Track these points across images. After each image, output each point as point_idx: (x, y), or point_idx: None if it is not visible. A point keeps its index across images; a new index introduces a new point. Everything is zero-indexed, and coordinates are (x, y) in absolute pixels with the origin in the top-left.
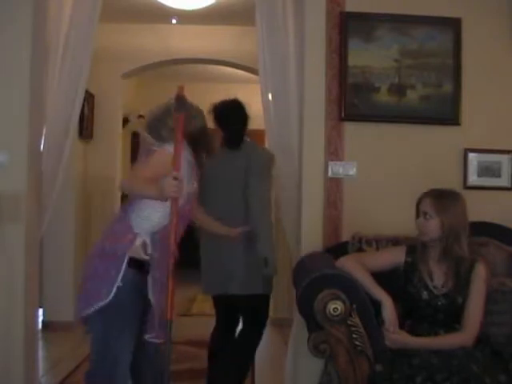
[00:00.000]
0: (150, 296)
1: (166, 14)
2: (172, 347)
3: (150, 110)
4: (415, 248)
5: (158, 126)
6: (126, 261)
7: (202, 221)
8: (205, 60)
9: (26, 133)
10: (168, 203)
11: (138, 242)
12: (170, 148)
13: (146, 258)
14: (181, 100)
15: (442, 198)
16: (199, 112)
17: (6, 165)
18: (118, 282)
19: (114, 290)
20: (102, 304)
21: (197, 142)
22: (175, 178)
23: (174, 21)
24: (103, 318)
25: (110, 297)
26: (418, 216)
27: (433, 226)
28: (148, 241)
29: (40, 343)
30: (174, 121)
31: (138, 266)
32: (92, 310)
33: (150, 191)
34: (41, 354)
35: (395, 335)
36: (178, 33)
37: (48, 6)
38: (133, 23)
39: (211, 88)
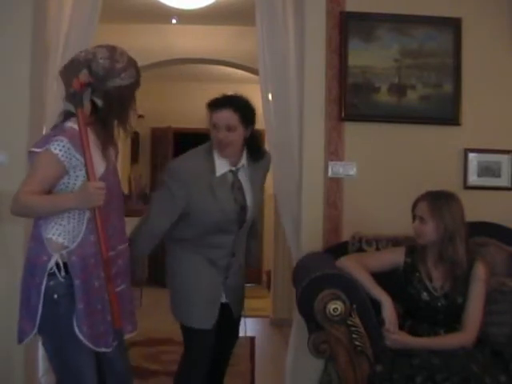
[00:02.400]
0: (78, 333)
1: (166, 13)
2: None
3: (76, 54)
4: (415, 249)
5: (70, 76)
6: (43, 288)
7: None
8: (205, 60)
9: (25, 133)
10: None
11: (53, 263)
12: (52, 147)
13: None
14: (77, 95)
15: (437, 202)
16: (130, 62)
17: (6, 165)
18: (40, 310)
19: (38, 319)
20: (31, 336)
21: (112, 106)
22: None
23: (174, 21)
24: (50, 340)
25: (35, 328)
26: (414, 219)
27: (428, 230)
28: (61, 263)
29: (40, 343)
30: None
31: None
32: (26, 340)
33: (65, 203)
34: (41, 353)
35: (395, 335)
36: (178, 33)
37: (48, 6)
38: (133, 23)
39: (211, 88)
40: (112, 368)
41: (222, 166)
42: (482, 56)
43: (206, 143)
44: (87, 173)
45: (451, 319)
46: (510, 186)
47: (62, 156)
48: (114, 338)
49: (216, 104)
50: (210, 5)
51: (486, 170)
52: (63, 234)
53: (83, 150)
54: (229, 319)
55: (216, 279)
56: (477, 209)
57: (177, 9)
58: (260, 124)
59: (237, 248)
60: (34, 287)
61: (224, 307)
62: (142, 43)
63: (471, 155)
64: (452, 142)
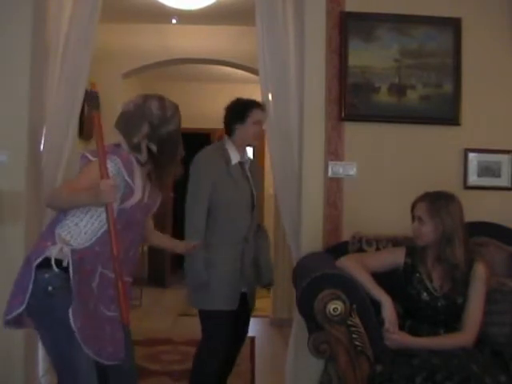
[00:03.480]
0: (73, 326)
1: (166, 13)
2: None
3: (125, 104)
4: (415, 249)
5: (132, 128)
6: (34, 267)
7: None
8: (205, 60)
9: (25, 132)
10: (87, 220)
11: (54, 251)
12: (107, 161)
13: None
14: (94, 96)
15: (436, 203)
16: (176, 108)
17: (6, 164)
18: (30, 288)
19: (27, 298)
20: (18, 311)
21: (164, 149)
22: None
23: (174, 21)
24: (47, 333)
25: (24, 306)
26: (413, 220)
27: (427, 231)
28: (65, 254)
29: (40, 343)
30: (118, 124)
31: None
32: (10, 316)
33: (83, 197)
34: (41, 353)
35: (395, 335)
36: (178, 33)
37: (48, 5)
38: (133, 23)
39: (210, 88)
40: (118, 366)
41: (235, 157)
42: (482, 56)
43: (214, 143)
44: (100, 171)
45: (451, 319)
46: (509, 185)
47: (111, 172)
48: (119, 351)
49: (257, 104)
50: (210, 5)
51: (486, 170)
52: (74, 235)
53: (98, 147)
54: (244, 311)
55: (235, 265)
56: (477, 209)
57: (176, 9)
58: None
59: (249, 234)
60: (29, 265)
61: (241, 297)
62: (142, 43)
63: (471, 155)
64: (452, 142)
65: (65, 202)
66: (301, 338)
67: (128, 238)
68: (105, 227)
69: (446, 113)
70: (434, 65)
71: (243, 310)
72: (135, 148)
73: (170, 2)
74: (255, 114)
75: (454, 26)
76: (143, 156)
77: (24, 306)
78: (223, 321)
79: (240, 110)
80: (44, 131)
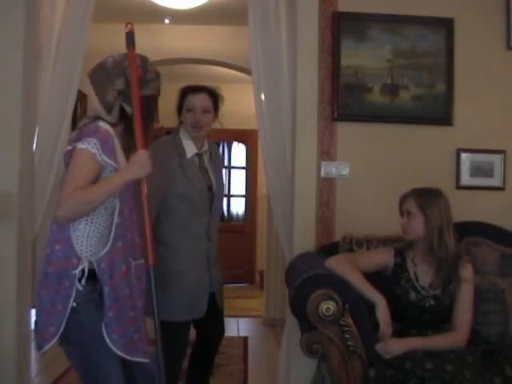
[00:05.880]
0: (108, 341)
1: (159, 13)
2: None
3: (103, 59)
4: (403, 249)
5: (105, 84)
6: (73, 293)
7: None
8: (197, 60)
9: (18, 132)
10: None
11: (81, 267)
12: (89, 146)
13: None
14: (131, 36)
15: (425, 196)
16: (157, 74)
17: None
18: (67, 316)
19: (63, 325)
20: (52, 343)
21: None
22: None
23: (166, 21)
24: (74, 349)
25: (59, 334)
26: (402, 216)
27: (417, 225)
28: (87, 269)
29: (33, 344)
30: (129, 66)
31: (94, 278)
32: (45, 348)
33: (122, 178)
34: (33, 354)
35: (391, 342)
36: (170, 33)
37: (40, 5)
38: (125, 23)
39: None
40: (142, 367)
41: (190, 150)
42: (475, 56)
43: (168, 135)
44: (138, 141)
45: (439, 320)
46: (502, 186)
47: (99, 155)
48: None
49: (192, 89)
50: (203, 5)
51: (478, 170)
52: (92, 243)
53: (136, 112)
54: (215, 309)
55: (201, 268)
56: (469, 209)
57: (169, 9)
58: (252, 124)
59: (211, 233)
60: (63, 291)
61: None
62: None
63: (464, 155)
64: (445, 142)
65: (102, 196)
66: (293, 337)
67: (133, 207)
68: (115, 220)
69: (439, 113)
70: (426, 65)
71: (210, 310)
72: (107, 106)
73: (163, 1)
74: (187, 101)
75: (446, 26)
76: (114, 116)
77: (58, 336)
78: (179, 331)
79: (179, 98)
80: (36, 131)
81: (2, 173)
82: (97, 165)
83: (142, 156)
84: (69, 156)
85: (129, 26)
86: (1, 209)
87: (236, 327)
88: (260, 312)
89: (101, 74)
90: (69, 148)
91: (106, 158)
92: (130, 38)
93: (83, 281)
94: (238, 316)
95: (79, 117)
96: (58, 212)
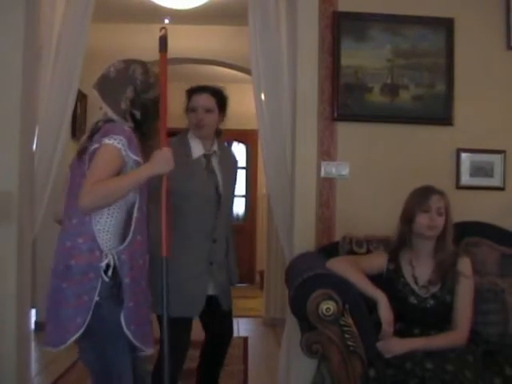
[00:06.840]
0: (127, 332)
1: (159, 13)
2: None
3: (105, 70)
4: (396, 253)
5: (117, 94)
6: (99, 285)
7: None
8: (197, 60)
9: (17, 132)
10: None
11: (106, 260)
12: (114, 142)
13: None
14: (164, 39)
15: (446, 196)
16: (156, 75)
17: None
18: (92, 308)
19: (89, 317)
20: (78, 335)
21: (149, 116)
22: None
23: (166, 21)
24: (91, 344)
25: (85, 325)
26: (425, 212)
27: (441, 224)
28: (112, 262)
29: (32, 344)
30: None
31: (114, 273)
32: (69, 342)
33: (145, 172)
34: (33, 354)
35: (393, 342)
36: (170, 33)
37: (40, 5)
38: (125, 23)
39: None
40: (135, 372)
41: (197, 150)
42: (475, 56)
43: (178, 135)
44: (162, 139)
45: (441, 320)
46: (502, 186)
47: (124, 151)
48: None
49: (196, 89)
50: (203, 5)
51: (478, 170)
52: (112, 236)
53: (162, 94)
54: (218, 312)
55: (199, 268)
56: (469, 209)
57: (169, 9)
58: (252, 124)
59: (217, 234)
60: (87, 283)
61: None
62: (134, 43)
63: (464, 155)
64: (445, 142)
65: (124, 189)
66: (293, 337)
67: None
68: (135, 215)
69: (439, 113)
70: (426, 65)
71: (216, 311)
72: (122, 114)
73: (163, 1)
74: (191, 102)
75: (446, 26)
76: (128, 121)
77: (83, 329)
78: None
79: (186, 99)
80: (36, 131)
81: (1, 173)
82: (120, 159)
83: (165, 153)
84: (92, 154)
85: (163, 30)
86: (1, 209)
87: (236, 327)
88: (260, 312)
89: (108, 86)
90: (96, 146)
91: (130, 154)
92: (163, 42)
93: (109, 272)
94: (238, 316)
95: (79, 117)
96: (82, 202)
